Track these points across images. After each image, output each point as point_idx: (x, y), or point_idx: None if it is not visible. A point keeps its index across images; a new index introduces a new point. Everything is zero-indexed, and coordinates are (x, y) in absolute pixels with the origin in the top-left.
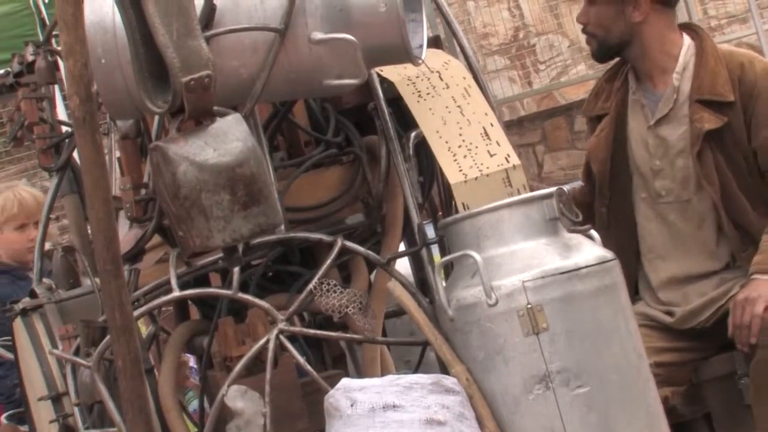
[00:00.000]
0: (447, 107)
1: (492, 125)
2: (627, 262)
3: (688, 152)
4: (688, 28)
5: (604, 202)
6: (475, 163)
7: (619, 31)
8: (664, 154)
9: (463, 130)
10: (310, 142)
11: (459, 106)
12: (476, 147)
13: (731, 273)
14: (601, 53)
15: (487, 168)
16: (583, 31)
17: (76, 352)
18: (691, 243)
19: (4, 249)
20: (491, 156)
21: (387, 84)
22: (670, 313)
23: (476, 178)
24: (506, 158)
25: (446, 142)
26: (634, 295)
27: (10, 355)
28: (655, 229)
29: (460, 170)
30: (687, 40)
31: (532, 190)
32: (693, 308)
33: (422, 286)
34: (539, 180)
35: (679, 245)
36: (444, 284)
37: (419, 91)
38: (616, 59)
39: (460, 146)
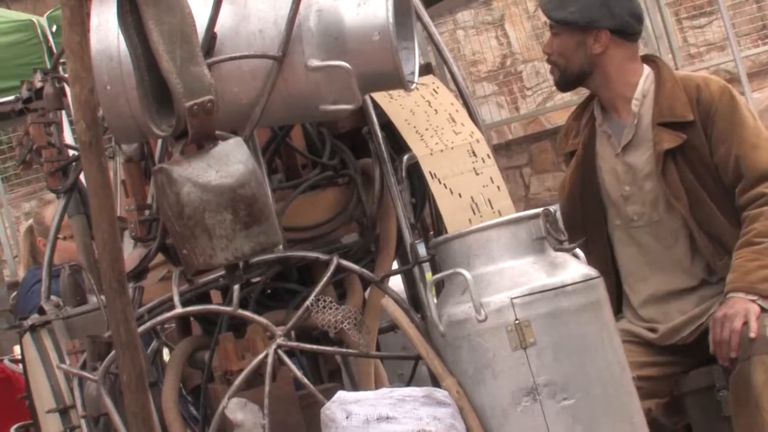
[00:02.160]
0: (416, 102)
1: (458, 111)
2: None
3: (654, 174)
4: (647, 59)
5: (575, 239)
6: (441, 140)
7: (579, 61)
8: (633, 180)
9: (430, 117)
10: (306, 165)
11: (427, 101)
12: (442, 129)
13: (710, 290)
14: (563, 82)
15: (452, 143)
16: (548, 61)
17: (83, 367)
18: (665, 262)
19: (59, 254)
20: (456, 134)
21: (380, 109)
22: (652, 330)
23: (441, 151)
24: (470, 134)
25: (414, 127)
26: (617, 313)
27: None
28: (632, 254)
29: (427, 146)
30: (647, 69)
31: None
32: (675, 325)
33: (414, 302)
34: (526, 201)
35: (655, 266)
36: (435, 301)
37: (391, 95)
38: (585, 97)
39: (427, 129)
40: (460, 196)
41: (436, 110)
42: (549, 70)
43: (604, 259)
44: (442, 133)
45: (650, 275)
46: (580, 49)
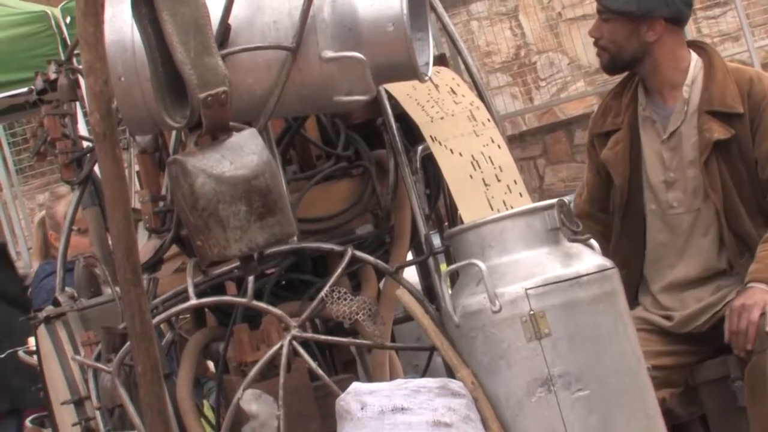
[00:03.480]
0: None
1: (458, 85)
2: (633, 271)
3: (697, 161)
4: (695, 45)
5: (620, 214)
6: (441, 109)
7: (632, 48)
8: (678, 166)
9: (431, 91)
10: (321, 156)
11: (430, 78)
12: (443, 100)
13: (728, 280)
14: (612, 67)
15: (453, 111)
16: (595, 44)
17: (98, 358)
18: (696, 250)
19: (70, 250)
20: (457, 104)
21: (394, 100)
22: (668, 318)
23: (442, 118)
24: (470, 103)
25: (415, 100)
26: (634, 300)
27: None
28: (663, 239)
29: (427, 115)
30: (695, 56)
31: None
32: (690, 313)
33: (429, 293)
34: (540, 192)
35: (684, 252)
36: (450, 292)
37: None
38: (621, 77)
39: (428, 101)
40: (461, 155)
41: (437, 85)
42: (596, 53)
43: (636, 241)
44: (443, 104)
45: (677, 262)
46: (633, 37)
